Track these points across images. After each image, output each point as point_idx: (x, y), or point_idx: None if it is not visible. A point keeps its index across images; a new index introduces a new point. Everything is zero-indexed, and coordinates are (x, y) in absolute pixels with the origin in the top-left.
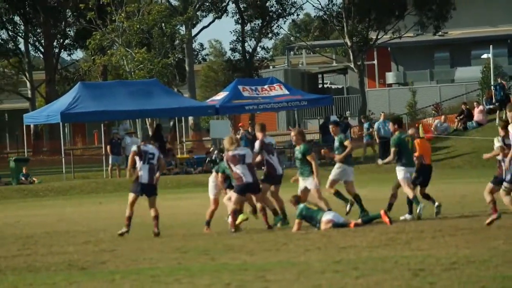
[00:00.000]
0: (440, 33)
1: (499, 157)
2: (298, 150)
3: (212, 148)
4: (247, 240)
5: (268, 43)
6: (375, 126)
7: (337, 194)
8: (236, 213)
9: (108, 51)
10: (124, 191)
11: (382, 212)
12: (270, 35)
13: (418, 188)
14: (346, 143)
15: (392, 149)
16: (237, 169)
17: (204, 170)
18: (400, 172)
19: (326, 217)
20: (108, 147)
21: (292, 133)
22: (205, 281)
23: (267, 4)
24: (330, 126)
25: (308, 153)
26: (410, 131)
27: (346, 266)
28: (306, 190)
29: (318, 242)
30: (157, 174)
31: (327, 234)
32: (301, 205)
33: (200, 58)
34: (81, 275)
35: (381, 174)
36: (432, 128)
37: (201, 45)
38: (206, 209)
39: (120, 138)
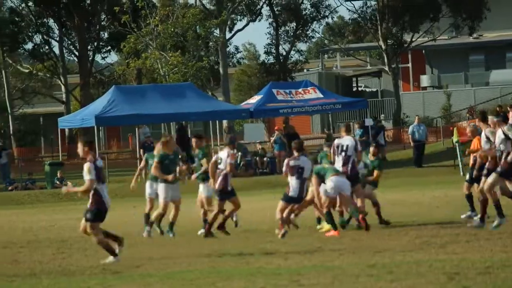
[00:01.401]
0: (475, 35)
1: None
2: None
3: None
4: (281, 244)
5: (302, 46)
6: (409, 129)
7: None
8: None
9: (143, 55)
10: None
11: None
12: (304, 38)
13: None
14: (203, 161)
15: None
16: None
17: (239, 174)
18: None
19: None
20: (141, 151)
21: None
22: (240, 285)
23: (301, 7)
24: (192, 140)
25: None
26: (468, 129)
27: (381, 270)
28: None
29: (352, 246)
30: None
31: (361, 238)
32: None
33: (235, 61)
34: (116, 279)
35: (419, 177)
36: (467, 131)
37: (236, 48)
38: (243, 213)
39: (153, 142)
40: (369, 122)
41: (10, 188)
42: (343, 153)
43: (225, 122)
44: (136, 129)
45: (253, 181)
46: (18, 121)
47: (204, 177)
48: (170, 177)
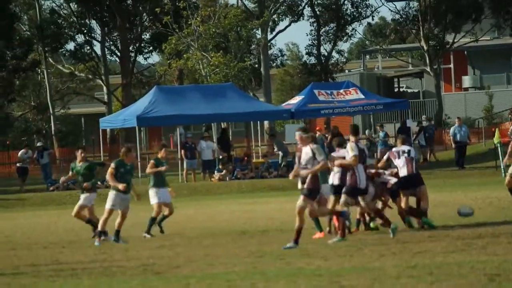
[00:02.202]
0: None
1: None
2: None
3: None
4: (322, 245)
5: (343, 46)
6: (451, 131)
7: None
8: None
9: (184, 55)
10: (199, 195)
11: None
12: (345, 37)
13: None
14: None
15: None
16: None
17: (279, 175)
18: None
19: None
20: (182, 151)
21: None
22: (281, 286)
23: (343, 7)
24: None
25: None
26: None
27: (421, 271)
28: None
29: (393, 247)
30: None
31: (402, 239)
32: None
33: (278, 63)
34: (156, 279)
35: (461, 178)
36: (508, 133)
37: (280, 50)
38: (282, 214)
39: (194, 143)
40: (410, 123)
41: (51, 188)
42: (405, 154)
43: (266, 123)
44: (177, 129)
45: (294, 181)
46: (59, 122)
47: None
48: (121, 186)
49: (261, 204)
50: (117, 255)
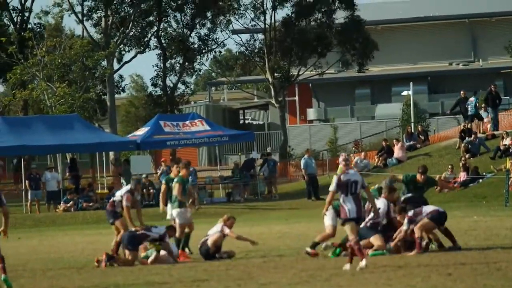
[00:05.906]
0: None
1: None
2: None
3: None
4: (166, 276)
5: (189, 78)
6: (302, 163)
7: None
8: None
9: (29, 86)
10: (44, 226)
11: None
12: (191, 71)
13: None
14: None
15: None
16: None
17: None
18: None
19: None
20: (27, 182)
21: None
22: None
23: (189, 40)
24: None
25: None
26: None
27: None
28: None
29: (238, 278)
30: None
31: (247, 270)
32: None
33: (119, 90)
34: None
35: (308, 209)
36: (352, 165)
37: (121, 76)
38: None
39: (39, 173)
40: (255, 155)
41: None
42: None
43: (112, 154)
44: (21, 160)
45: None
46: None
47: None
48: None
49: (105, 235)
50: None
